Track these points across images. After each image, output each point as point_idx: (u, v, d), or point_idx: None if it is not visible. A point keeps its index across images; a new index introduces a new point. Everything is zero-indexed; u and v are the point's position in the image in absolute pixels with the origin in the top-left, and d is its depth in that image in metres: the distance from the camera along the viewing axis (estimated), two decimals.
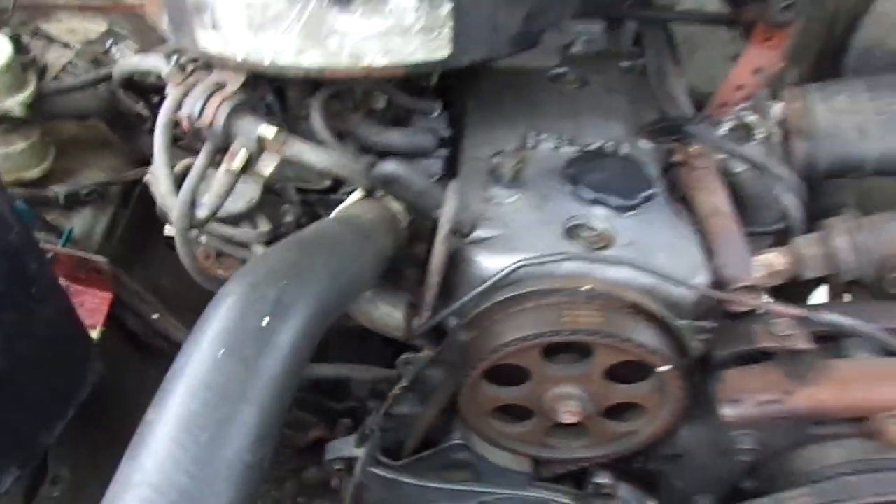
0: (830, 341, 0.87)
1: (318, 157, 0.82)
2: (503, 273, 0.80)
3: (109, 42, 1.41)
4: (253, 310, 0.56)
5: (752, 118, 1.13)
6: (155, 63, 1.06)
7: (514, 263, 0.80)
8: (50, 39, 1.45)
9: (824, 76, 1.46)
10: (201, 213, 0.86)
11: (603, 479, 1.02)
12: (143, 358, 1.28)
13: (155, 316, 1.21)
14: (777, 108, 1.12)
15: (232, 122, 0.83)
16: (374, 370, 1.22)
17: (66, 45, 1.43)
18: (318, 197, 1.10)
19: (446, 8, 0.76)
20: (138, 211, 1.32)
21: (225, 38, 0.80)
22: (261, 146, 0.83)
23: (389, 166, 0.81)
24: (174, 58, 0.95)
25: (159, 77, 1.02)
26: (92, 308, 1.11)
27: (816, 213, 1.33)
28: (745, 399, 0.82)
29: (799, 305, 0.83)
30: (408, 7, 0.75)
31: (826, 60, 1.44)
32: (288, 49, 0.78)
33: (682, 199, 1.04)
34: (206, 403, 0.50)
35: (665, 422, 0.87)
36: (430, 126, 1.02)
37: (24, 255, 0.79)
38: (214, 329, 0.54)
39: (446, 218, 0.78)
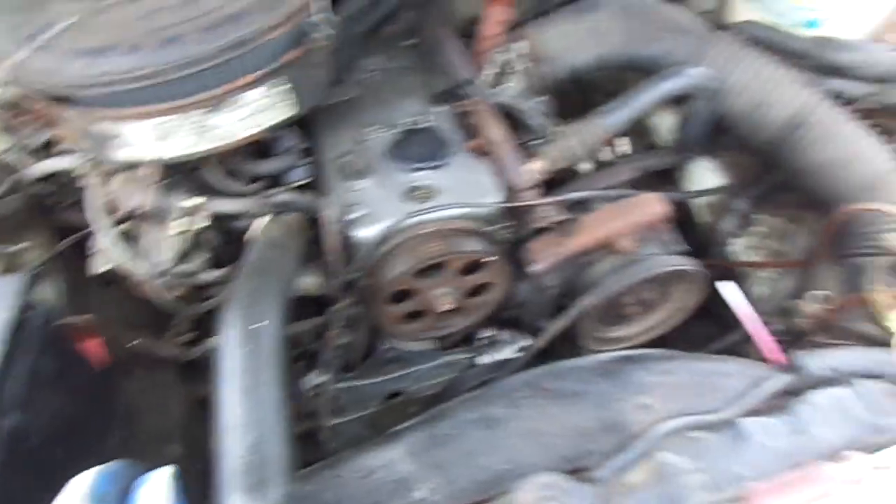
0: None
1: (234, 205, 1.22)
2: (376, 239, 1.24)
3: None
4: (248, 321, 0.98)
5: (505, 57, 1.59)
6: (68, 163, 1.38)
7: (379, 231, 1.24)
8: None
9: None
10: (163, 266, 1.24)
11: (487, 332, 1.55)
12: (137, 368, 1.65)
13: (135, 342, 1.58)
14: (522, 46, 1.58)
15: (165, 202, 1.20)
16: (310, 322, 1.67)
17: None
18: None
19: (284, 87, 1.15)
20: (77, 274, 1.64)
21: (138, 150, 1.15)
22: (191, 212, 1.21)
23: (283, 197, 1.22)
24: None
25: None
26: (93, 352, 1.47)
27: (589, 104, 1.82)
28: (542, 257, 1.33)
29: (552, 194, 1.33)
30: (259, 96, 1.13)
31: None
32: (185, 145, 1.15)
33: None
34: (247, 371, 0.94)
35: (504, 287, 1.38)
36: (290, 144, 1.41)
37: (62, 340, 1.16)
38: (231, 336, 0.97)
39: (326, 217, 1.21)
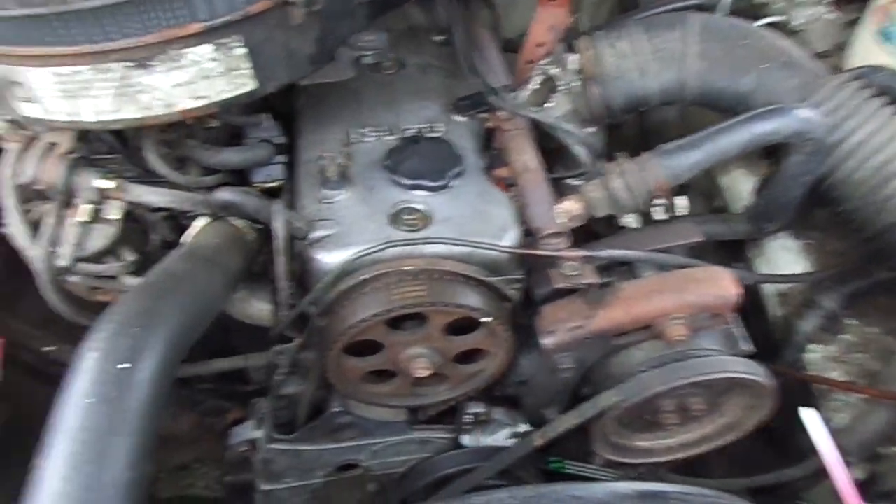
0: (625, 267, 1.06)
1: (158, 197, 0.93)
2: (338, 269, 0.93)
3: None
4: (111, 359, 0.67)
5: (554, 71, 1.28)
6: None
7: (347, 258, 0.93)
8: None
9: (629, 5, 1.62)
10: (62, 262, 0.95)
11: (476, 408, 1.21)
12: (42, 384, 1.37)
13: (51, 349, 1.29)
14: (574, 60, 1.27)
15: (71, 179, 0.91)
16: (264, 356, 1.36)
17: None
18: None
19: (240, 50, 0.86)
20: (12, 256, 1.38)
21: (45, 107, 0.87)
22: (103, 195, 0.92)
23: (224, 195, 0.92)
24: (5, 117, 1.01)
25: None
26: None
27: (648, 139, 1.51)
28: (558, 328, 1.00)
29: (582, 246, 1.00)
30: (205, 57, 0.84)
31: None
32: (105, 108, 0.86)
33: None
34: (85, 442, 0.63)
35: (503, 358, 1.05)
36: (263, 135, 1.12)
37: None
38: (82, 380, 0.66)
39: (277, 234, 0.91)
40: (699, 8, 1.38)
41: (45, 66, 0.81)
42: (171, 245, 1.22)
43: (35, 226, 1.00)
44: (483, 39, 1.32)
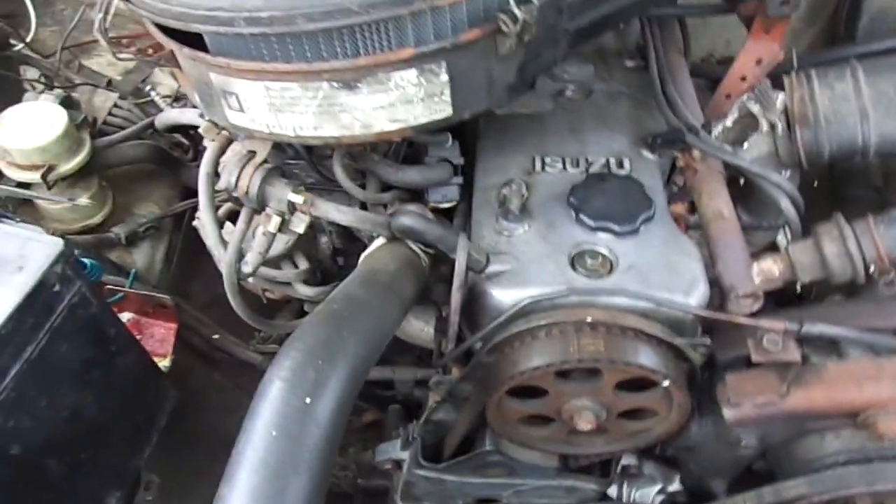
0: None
1: (342, 215, 0.92)
2: (515, 310, 0.89)
3: (145, 81, 1.51)
4: (295, 393, 0.67)
5: (756, 108, 1.17)
6: (191, 118, 1.17)
7: (523, 299, 0.89)
8: (93, 80, 1.57)
9: (838, 38, 1.46)
10: (246, 268, 0.98)
11: (628, 460, 1.13)
12: (210, 369, 1.44)
13: (215, 336, 1.36)
14: (780, 98, 1.15)
15: (264, 189, 0.93)
16: (414, 371, 1.35)
17: (108, 86, 1.55)
18: None
19: (444, 77, 0.83)
20: (190, 236, 1.46)
21: (250, 117, 0.89)
22: (291, 208, 0.93)
23: (406, 220, 0.90)
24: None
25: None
26: (161, 338, 1.25)
27: (839, 194, 1.37)
28: (745, 401, 0.90)
29: (788, 318, 0.89)
30: (409, 82, 0.82)
31: (839, 23, 1.44)
32: (306, 125, 0.87)
33: (690, 202, 1.11)
34: (266, 478, 0.62)
35: (675, 422, 0.97)
36: (444, 155, 1.09)
37: (104, 323, 0.93)
38: (266, 413, 0.66)
39: (459, 270, 0.88)
40: None
41: (259, 79, 0.82)
42: (339, 252, 1.24)
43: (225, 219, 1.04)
44: (676, 66, 1.23)
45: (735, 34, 1.56)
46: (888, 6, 1.33)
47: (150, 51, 0.91)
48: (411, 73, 0.82)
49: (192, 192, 1.38)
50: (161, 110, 1.44)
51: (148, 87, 1.49)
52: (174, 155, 1.39)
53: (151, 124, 1.33)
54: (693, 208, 1.09)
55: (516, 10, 0.78)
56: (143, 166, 1.46)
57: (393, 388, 1.45)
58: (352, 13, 0.74)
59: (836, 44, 1.44)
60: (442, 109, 0.87)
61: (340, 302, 0.79)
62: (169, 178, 1.46)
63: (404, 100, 0.84)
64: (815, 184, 1.32)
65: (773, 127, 1.14)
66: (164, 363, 1.21)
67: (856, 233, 0.91)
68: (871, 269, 0.91)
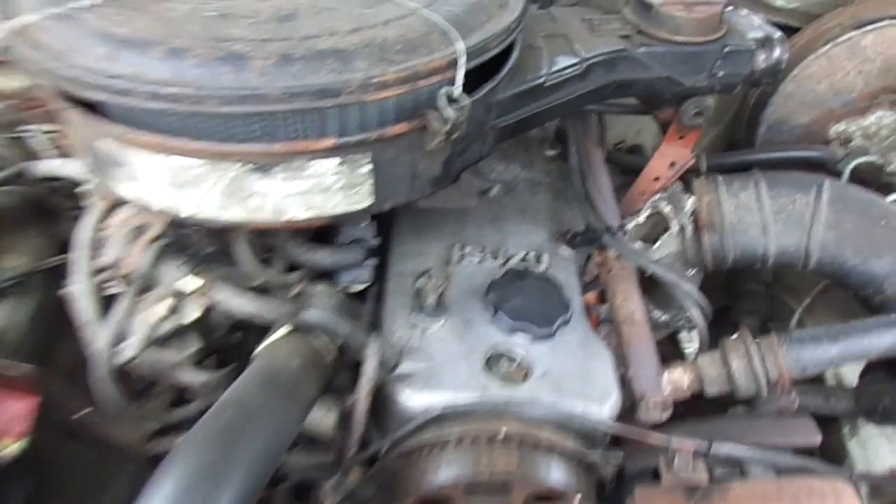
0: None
1: (242, 305, 0.84)
2: (424, 417, 0.83)
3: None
4: None
5: (667, 209, 1.19)
6: (75, 171, 1.05)
7: (435, 405, 0.84)
8: None
9: (737, 139, 1.55)
10: (126, 353, 0.87)
11: None
12: (75, 444, 1.27)
13: (84, 411, 1.20)
14: (689, 201, 1.19)
15: (156, 268, 0.83)
16: (308, 457, 1.25)
17: None
18: None
19: (366, 168, 0.78)
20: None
21: (145, 190, 0.80)
22: (184, 295, 0.84)
23: (313, 315, 0.83)
24: None
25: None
26: (15, 415, 1.09)
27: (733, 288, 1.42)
28: None
29: (696, 433, 0.89)
30: (329, 171, 0.77)
31: (740, 127, 1.52)
32: (210, 205, 0.79)
33: (601, 291, 1.11)
34: None
35: None
36: (358, 235, 1.03)
37: None
38: None
39: (367, 376, 0.81)
40: (820, 162, 1.31)
41: (162, 153, 0.74)
42: (236, 328, 1.14)
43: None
44: (594, 159, 1.24)
45: (646, 125, 1.63)
46: (784, 118, 1.43)
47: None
48: (332, 163, 0.76)
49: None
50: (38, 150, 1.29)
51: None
52: (50, 203, 1.25)
53: (19, 174, 1.19)
54: (603, 297, 1.09)
55: (446, 109, 0.74)
56: (11, 212, 1.30)
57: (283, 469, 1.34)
58: (271, 100, 0.68)
59: (735, 144, 1.52)
60: (361, 200, 0.82)
61: (234, 409, 0.70)
62: (41, 226, 1.31)
63: (322, 188, 0.78)
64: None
65: (682, 229, 1.18)
66: (16, 446, 1.05)
67: (761, 350, 0.93)
68: (774, 387, 0.93)
